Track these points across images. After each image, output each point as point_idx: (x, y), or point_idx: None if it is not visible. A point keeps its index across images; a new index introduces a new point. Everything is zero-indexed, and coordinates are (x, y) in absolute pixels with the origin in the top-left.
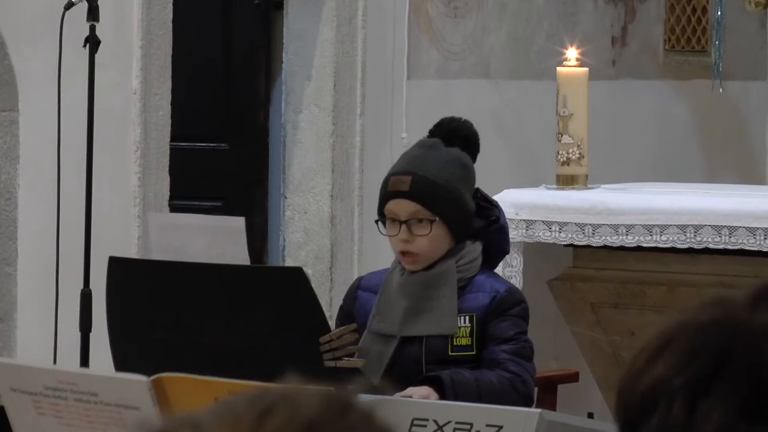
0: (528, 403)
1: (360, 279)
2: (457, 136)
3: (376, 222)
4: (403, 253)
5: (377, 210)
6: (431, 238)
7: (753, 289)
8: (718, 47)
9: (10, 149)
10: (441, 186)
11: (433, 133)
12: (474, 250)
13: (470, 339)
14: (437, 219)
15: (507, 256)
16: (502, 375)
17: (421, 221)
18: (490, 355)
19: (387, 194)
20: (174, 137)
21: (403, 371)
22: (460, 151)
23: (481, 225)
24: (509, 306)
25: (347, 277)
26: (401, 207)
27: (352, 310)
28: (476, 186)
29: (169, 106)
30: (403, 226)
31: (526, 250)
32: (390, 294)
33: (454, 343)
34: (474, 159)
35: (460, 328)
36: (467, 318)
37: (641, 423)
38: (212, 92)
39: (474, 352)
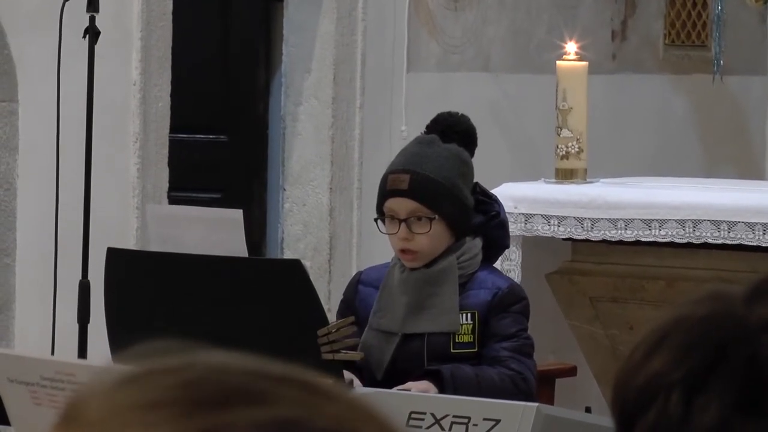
0: (529, 400)
1: (360, 273)
2: (454, 131)
3: (375, 220)
4: (403, 251)
5: (376, 208)
6: (431, 236)
7: (750, 284)
8: (719, 42)
9: (9, 139)
10: (440, 184)
11: (430, 128)
12: (474, 246)
13: (472, 336)
14: (437, 217)
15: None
16: (503, 372)
17: (420, 219)
18: (491, 352)
19: (386, 193)
20: (173, 128)
21: (404, 368)
22: (458, 146)
23: (481, 220)
24: (511, 303)
25: (346, 270)
26: (401, 205)
27: (354, 303)
28: (475, 180)
29: (169, 98)
30: (403, 225)
31: (524, 244)
32: (391, 291)
33: (456, 340)
34: (472, 154)
35: (461, 325)
36: (469, 315)
37: (638, 417)
38: (212, 84)
39: (475, 349)
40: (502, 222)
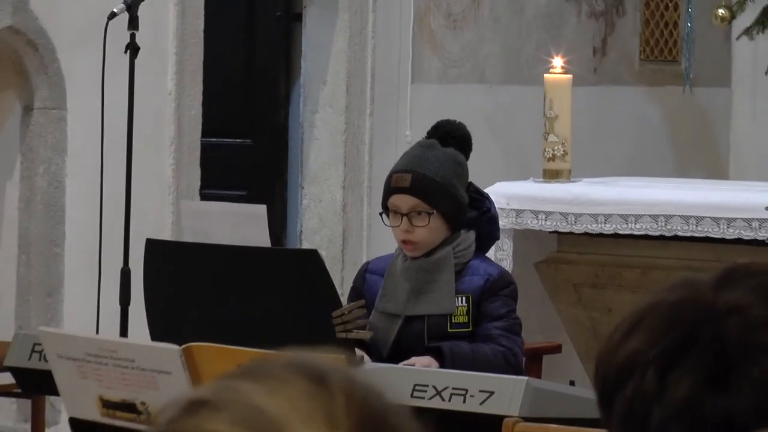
0: (517, 373)
1: (367, 263)
2: (452, 136)
3: (380, 214)
4: (405, 242)
5: (381, 203)
6: (429, 229)
7: (717, 272)
8: (688, 57)
9: (58, 143)
10: (438, 182)
11: (430, 134)
12: (468, 237)
13: (467, 317)
14: (435, 212)
15: (498, 241)
16: (495, 348)
17: (420, 214)
18: (484, 331)
19: (390, 190)
20: (204, 133)
21: (407, 346)
22: (455, 150)
23: (474, 215)
24: (501, 287)
25: (357, 259)
26: (403, 201)
27: (362, 289)
28: (470, 180)
29: (201, 106)
30: (405, 218)
31: (515, 236)
32: (395, 278)
33: (453, 321)
34: (467, 157)
35: (457, 307)
36: (464, 298)
37: (617, 391)
38: (238, 94)
39: (470, 329)
40: (492, 217)
